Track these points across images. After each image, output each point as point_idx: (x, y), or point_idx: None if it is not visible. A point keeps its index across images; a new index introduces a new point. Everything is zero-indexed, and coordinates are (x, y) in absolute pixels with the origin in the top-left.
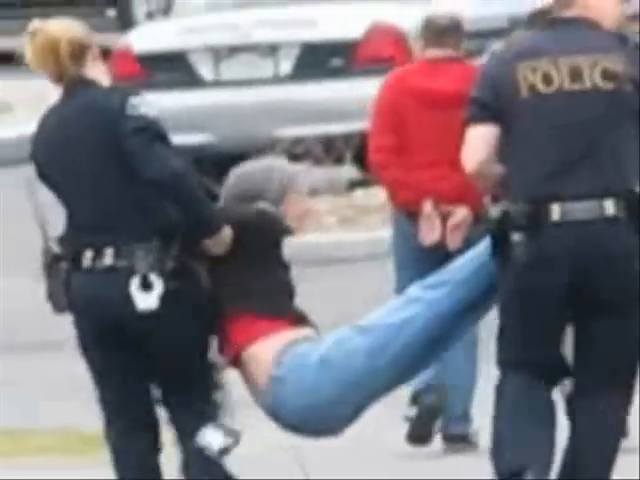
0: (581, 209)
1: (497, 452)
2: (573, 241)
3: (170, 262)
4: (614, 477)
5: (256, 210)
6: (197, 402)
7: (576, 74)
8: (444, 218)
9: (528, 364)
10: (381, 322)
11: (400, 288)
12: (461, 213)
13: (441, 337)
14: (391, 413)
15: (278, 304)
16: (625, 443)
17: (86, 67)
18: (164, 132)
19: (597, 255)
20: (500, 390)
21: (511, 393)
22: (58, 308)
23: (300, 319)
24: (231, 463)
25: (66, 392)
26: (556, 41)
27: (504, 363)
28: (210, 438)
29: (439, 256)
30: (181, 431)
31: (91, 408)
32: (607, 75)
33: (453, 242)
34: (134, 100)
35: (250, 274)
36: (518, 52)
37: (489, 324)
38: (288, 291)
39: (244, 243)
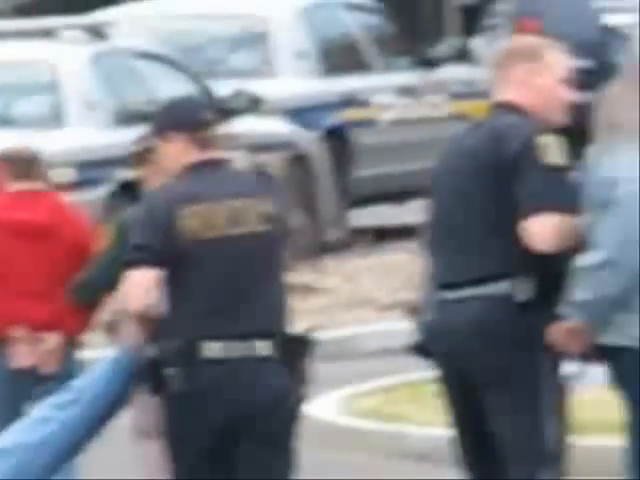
0: (235, 348)
1: None
2: (225, 379)
3: None
4: None
5: None
6: None
7: (235, 219)
8: (36, 345)
9: None
10: (18, 442)
11: None
12: (53, 339)
13: (74, 453)
14: None
15: None
16: None
17: None
18: None
19: (248, 394)
20: None
21: None
22: None
23: None
24: None
25: None
26: (211, 185)
27: None
28: None
29: (32, 380)
30: None
31: None
32: (263, 219)
33: (47, 367)
34: None
35: None
36: (176, 197)
37: None
38: None
39: None
